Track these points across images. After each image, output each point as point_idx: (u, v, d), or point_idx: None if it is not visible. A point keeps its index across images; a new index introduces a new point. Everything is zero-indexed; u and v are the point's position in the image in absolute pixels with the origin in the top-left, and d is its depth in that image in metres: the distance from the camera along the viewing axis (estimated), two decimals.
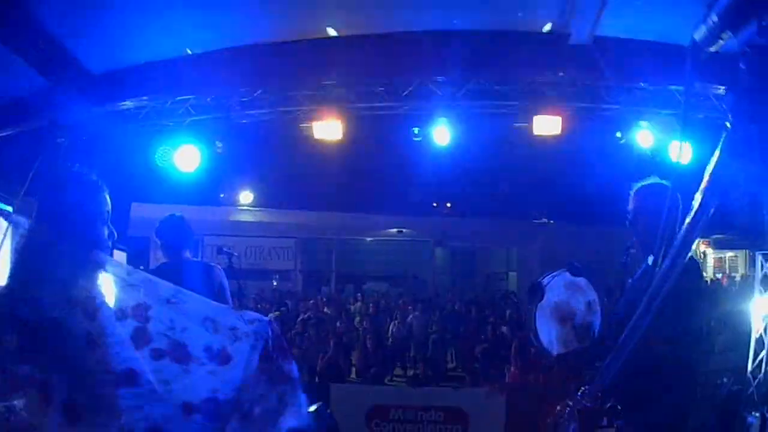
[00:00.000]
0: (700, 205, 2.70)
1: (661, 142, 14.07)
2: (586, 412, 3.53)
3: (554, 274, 6.44)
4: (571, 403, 4.17)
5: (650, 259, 3.37)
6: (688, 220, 2.75)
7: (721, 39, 2.74)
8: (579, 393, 3.60)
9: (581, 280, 6.30)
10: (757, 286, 13.84)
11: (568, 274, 6.32)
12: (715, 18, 2.69)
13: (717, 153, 2.64)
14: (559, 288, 6.38)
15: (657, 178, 5.90)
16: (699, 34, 2.88)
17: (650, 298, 2.82)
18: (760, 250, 13.85)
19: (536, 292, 6.38)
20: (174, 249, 8.38)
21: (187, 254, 8.50)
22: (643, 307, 2.86)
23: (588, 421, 3.59)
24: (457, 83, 14.14)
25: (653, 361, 4.40)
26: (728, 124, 2.61)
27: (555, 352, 6.24)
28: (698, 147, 12.83)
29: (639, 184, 5.98)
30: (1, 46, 9.88)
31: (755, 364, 13.80)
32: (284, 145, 16.54)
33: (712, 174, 2.64)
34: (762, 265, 13.76)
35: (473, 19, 11.16)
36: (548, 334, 6.17)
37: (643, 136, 14.26)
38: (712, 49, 2.86)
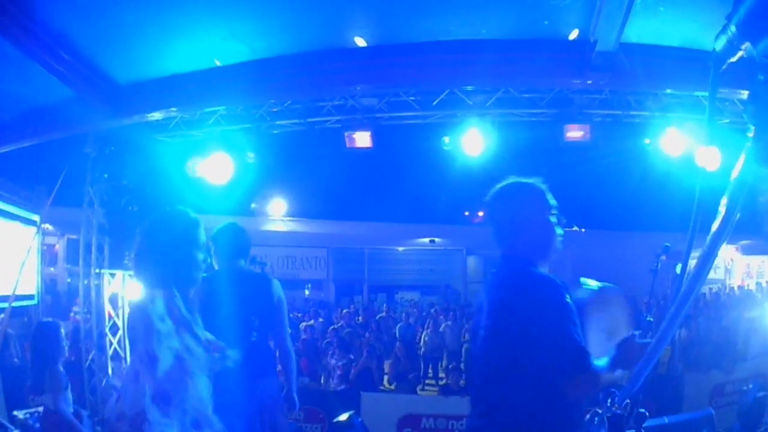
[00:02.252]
0: (726, 210, 2.71)
1: (690, 148, 14.03)
2: (615, 418, 3.54)
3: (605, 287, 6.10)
4: (600, 410, 4.18)
5: (678, 268, 3.35)
6: (714, 225, 2.76)
7: (741, 49, 2.76)
8: (608, 399, 3.61)
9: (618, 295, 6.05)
10: None
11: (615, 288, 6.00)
12: (734, 29, 2.72)
13: (741, 159, 2.65)
14: (609, 306, 6.12)
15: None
16: (719, 44, 2.91)
17: (679, 305, 2.84)
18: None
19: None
20: (228, 256, 8.53)
21: (242, 263, 8.63)
22: (673, 313, 2.87)
23: (616, 426, 3.60)
24: (487, 92, 14.16)
25: None
26: (751, 133, 2.62)
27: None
28: (726, 152, 12.84)
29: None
30: (26, 57, 9.94)
31: None
32: (315, 155, 16.63)
33: (736, 180, 2.65)
34: None
35: (500, 28, 11.15)
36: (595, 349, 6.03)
37: (671, 142, 14.21)
38: (733, 59, 2.88)
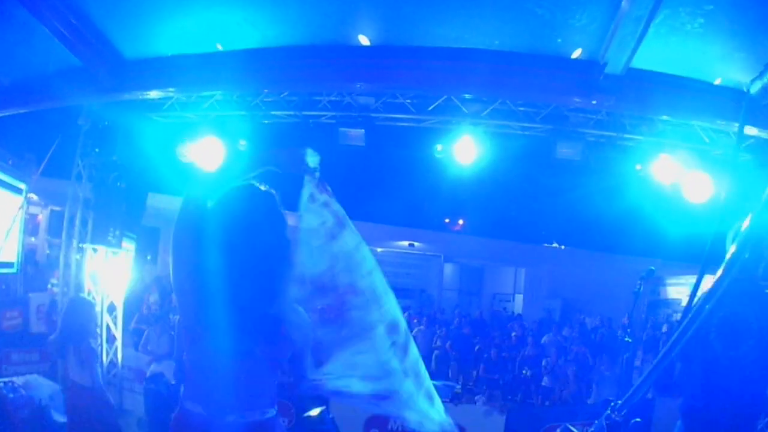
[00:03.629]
0: (733, 257, 2.74)
1: (681, 176, 14.10)
2: (613, 426, 3.60)
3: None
4: (596, 421, 4.23)
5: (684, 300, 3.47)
6: (719, 271, 2.80)
7: None
8: (609, 408, 3.67)
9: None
10: None
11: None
12: None
13: (758, 206, 2.68)
14: None
15: None
16: (755, 88, 2.99)
17: (684, 330, 2.89)
18: None
19: None
20: None
21: None
22: (678, 334, 2.92)
23: None
24: (483, 101, 14.20)
25: None
26: None
27: None
28: (717, 182, 12.94)
29: None
30: (36, 21, 9.93)
31: None
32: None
33: (748, 229, 2.68)
34: None
35: (513, 40, 11.19)
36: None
37: (662, 169, 14.26)
38: (765, 102, 2.97)
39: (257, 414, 4.61)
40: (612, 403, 3.61)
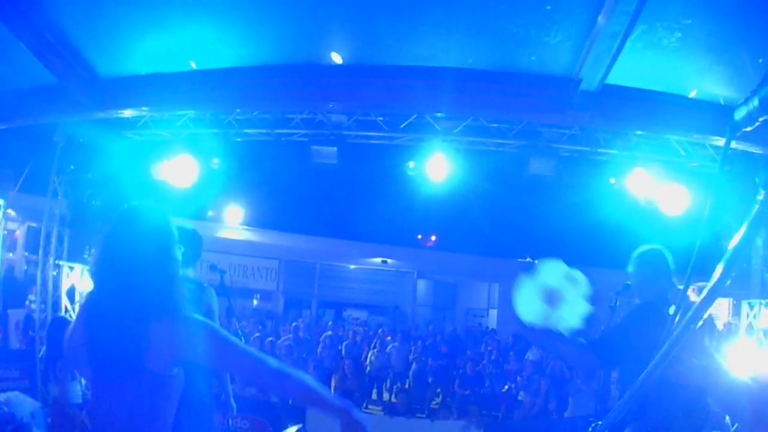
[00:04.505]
0: (721, 276, 2.78)
1: (655, 189, 14.17)
2: None
3: (552, 260, 6.65)
4: None
5: (672, 309, 3.45)
6: (705, 290, 2.84)
7: (758, 121, 2.88)
8: (593, 427, 3.70)
9: (578, 273, 6.53)
10: (742, 334, 14.01)
11: (565, 263, 6.55)
12: (756, 103, 2.83)
13: (742, 230, 2.73)
14: (557, 275, 6.56)
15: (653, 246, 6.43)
16: (739, 114, 3.03)
17: (670, 347, 2.93)
18: (745, 299, 14.00)
19: (527, 267, 6.64)
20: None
21: (190, 272, 8.45)
22: (663, 353, 2.96)
23: None
24: (455, 118, 14.24)
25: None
26: (760, 196, 2.71)
27: (527, 322, 6.44)
28: (692, 195, 13.04)
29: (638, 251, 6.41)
30: (14, 38, 9.96)
31: None
32: (278, 166, 16.64)
33: (735, 248, 2.73)
34: (747, 314, 13.91)
35: (487, 58, 11.25)
36: (531, 309, 6.34)
37: (637, 183, 14.33)
38: (748, 129, 3.00)
39: None
40: (593, 424, 3.65)
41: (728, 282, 2.75)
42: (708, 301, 2.81)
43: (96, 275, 4.66)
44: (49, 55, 10.75)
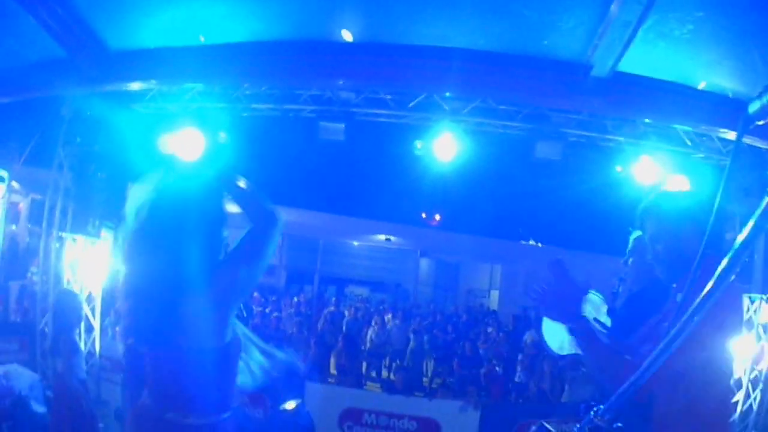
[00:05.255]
0: (725, 269, 2.76)
1: (661, 177, 14.14)
2: (595, 430, 3.61)
3: None
4: (554, 424, 4.25)
5: (679, 297, 3.44)
6: (713, 279, 2.82)
7: None
8: (592, 412, 3.67)
9: (595, 296, 6.73)
10: (742, 328, 14.00)
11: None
12: None
13: (751, 223, 2.71)
14: None
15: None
16: (753, 107, 3.00)
17: (676, 334, 2.92)
18: (746, 293, 13.98)
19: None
20: None
21: None
22: (669, 339, 2.94)
23: None
24: (464, 99, 14.21)
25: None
26: None
27: (565, 353, 6.57)
28: (698, 185, 13.01)
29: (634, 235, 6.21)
30: (23, 11, 9.96)
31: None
32: (285, 141, 16.62)
33: (743, 242, 2.71)
34: (748, 308, 13.89)
35: (499, 40, 11.25)
36: (558, 338, 6.46)
37: (644, 171, 14.30)
38: (761, 122, 2.98)
39: (204, 416, 4.54)
40: (595, 408, 3.63)
41: (733, 276, 2.74)
42: (713, 292, 2.81)
43: (137, 250, 4.55)
44: (59, 28, 10.77)
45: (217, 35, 11.79)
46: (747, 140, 11.38)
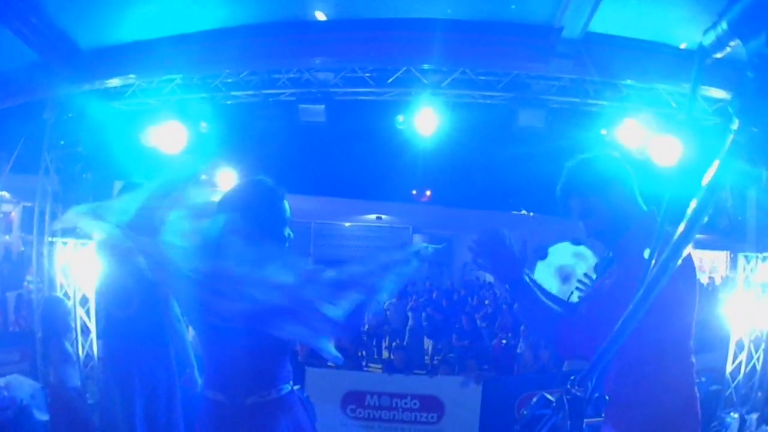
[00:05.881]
0: (694, 213, 2.71)
1: (646, 140, 14.10)
2: (575, 401, 3.54)
3: (559, 243, 7.23)
4: (555, 395, 4.19)
5: (646, 253, 3.38)
6: (680, 227, 2.76)
7: (729, 47, 2.77)
8: (568, 382, 3.60)
9: (584, 249, 6.96)
10: (740, 288, 13.95)
11: (570, 243, 7.05)
12: (725, 26, 2.73)
13: (715, 164, 2.64)
14: (566, 254, 7.02)
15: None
16: (707, 39, 2.91)
17: (645, 294, 2.85)
18: (742, 252, 13.94)
19: (539, 252, 7.06)
20: None
21: None
22: (638, 301, 2.88)
23: (576, 409, 3.61)
24: (443, 72, 14.17)
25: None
26: (734, 125, 2.63)
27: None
28: (683, 147, 12.96)
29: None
30: None
31: (734, 365, 13.90)
32: (267, 127, 16.54)
33: (709, 184, 2.65)
34: (744, 267, 13.85)
35: (466, 8, 11.22)
36: (548, 289, 6.63)
37: (628, 134, 14.25)
38: (719, 55, 2.89)
39: (273, 392, 4.94)
40: (572, 377, 3.56)
41: (704, 219, 2.68)
42: (683, 238, 2.74)
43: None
44: (29, 32, 10.73)
45: (190, 23, 11.76)
46: (716, 93, 11.40)
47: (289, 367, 5.22)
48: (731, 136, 2.54)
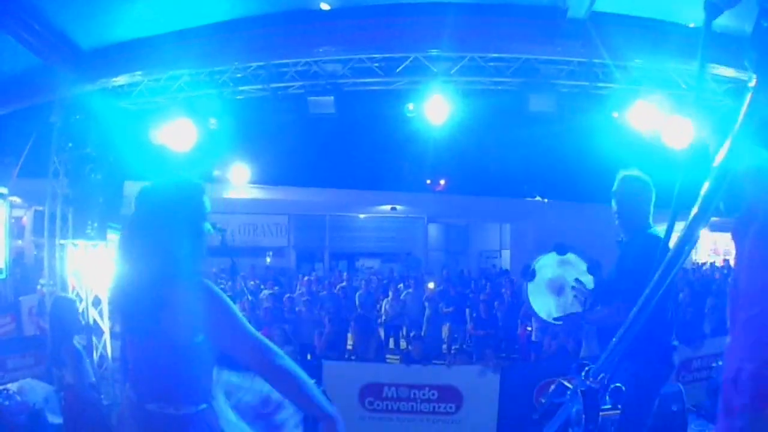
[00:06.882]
0: (707, 195, 2.61)
1: (659, 121, 13.96)
2: (590, 392, 3.45)
3: (543, 255, 7.51)
4: (572, 384, 4.10)
5: (662, 233, 3.31)
6: (694, 210, 2.67)
7: None
8: (583, 373, 3.51)
9: (570, 256, 7.07)
10: None
11: (556, 253, 7.14)
12: None
13: (727, 144, 2.54)
14: (552, 266, 7.08)
15: (638, 171, 7.31)
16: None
17: (661, 278, 2.76)
18: None
19: (527, 274, 7.14)
20: None
21: None
22: (653, 286, 2.78)
23: (591, 400, 3.52)
24: (452, 59, 14.07)
25: None
26: (752, 83, 2.52)
27: (553, 318, 7.30)
28: (697, 126, 12.83)
29: (623, 173, 6.73)
30: None
31: None
32: (277, 121, 16.46)
33: (720, 165, 2.55)
34: None
35: None
36: (546, 305, 6.74)
37: (639, 116, 14.10)
38: (726, 21, 2.78)
39: (182, 407, 4.70)
40: (586, 368, 3.46)
41: (718, 202, 2.59)
42: (697, 221, 2.65)
43: (124, 243, 4.94)
44: (30, 36, 10.67)
45: (194, 17, 11.69)
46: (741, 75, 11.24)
47: (207, 386, 4.99)
48: (749, 96, 2.43)
